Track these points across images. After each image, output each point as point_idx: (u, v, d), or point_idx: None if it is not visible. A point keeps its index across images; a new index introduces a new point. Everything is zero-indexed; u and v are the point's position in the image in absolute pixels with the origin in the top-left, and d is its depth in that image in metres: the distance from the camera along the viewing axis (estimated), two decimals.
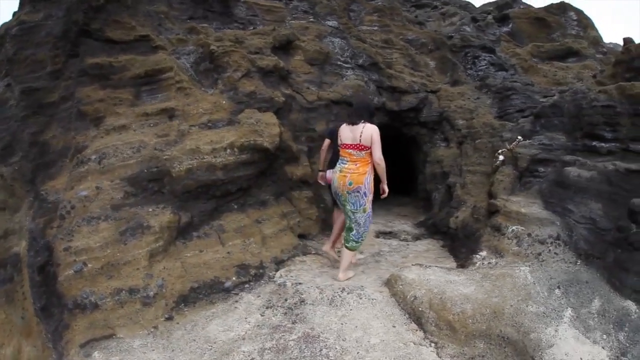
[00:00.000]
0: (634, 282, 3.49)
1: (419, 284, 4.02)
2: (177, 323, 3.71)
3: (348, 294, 4.25)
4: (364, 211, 4.44)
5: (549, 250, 4.19)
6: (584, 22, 8.74)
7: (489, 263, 4.47)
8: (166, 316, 3.75)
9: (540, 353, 3.10)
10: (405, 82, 7.65)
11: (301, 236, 5.95)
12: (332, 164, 5.01)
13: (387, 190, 4.51)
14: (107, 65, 5.11)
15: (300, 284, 4.48)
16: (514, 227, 4.58)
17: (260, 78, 6.21)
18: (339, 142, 4.56)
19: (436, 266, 4.75)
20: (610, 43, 9.28)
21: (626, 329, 3.28)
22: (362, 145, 4.33)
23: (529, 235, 4.40)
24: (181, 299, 4.01)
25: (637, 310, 3.37)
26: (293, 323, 3.72)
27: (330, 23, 7.84)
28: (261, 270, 4.74)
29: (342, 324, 3.73)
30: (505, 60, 7.65)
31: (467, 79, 7.77)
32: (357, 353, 3.31)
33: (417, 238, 6.81)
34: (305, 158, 6.62)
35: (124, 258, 3.89)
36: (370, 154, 4.34)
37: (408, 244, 6.37)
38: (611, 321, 3.34)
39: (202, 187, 5.03)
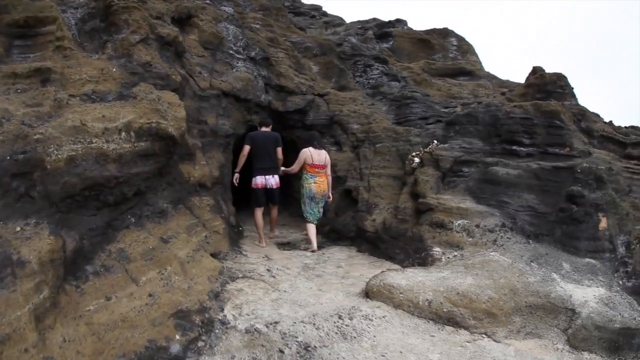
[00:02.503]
0: (587, 245, 4.11)
1: (418, 287, 3.48)
2: None
3: (351, 319, 3.00)
4: (325, 204, 5.71)
5: (501, 236, 4.28)
6: (464, 48, 9.34)
7: (455, 256, 4.20)
8: None
9: (569, 302, 3.35)
10: (293, 83, 6.64)
11: (212, 255, 4.19)
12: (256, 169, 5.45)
13: (331, 196, 5.83)
14: None
15: (276, 322, 2.92)
16: (459, 222, 4.49)
17: (158, 49, 4.19)
18: (310, 162, 5.40)
19: (410, 269, 4.06)
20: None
21: (599, 274, 3.80)
22: (324, 165, 5.51)
23: (477, 226, 4.40)
24: None
25: (597, 263, 3.96)
26: None
27: (226, 9, 6.15)
28: (207, 315, 2.89)
29: (383, 355, 2.57)
30: (396, 72, 7.66)
31: (356, 86, 7.32)
32: None
33: (319, 247, 5.85)
34: (201, 156, 4.83)
35: None
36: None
37: (323, 254, 5.31)
38: (587, 272, 3.80)
39: (90, 189, 2.86)
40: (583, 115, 6.81)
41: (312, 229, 5.40)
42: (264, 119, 5.86)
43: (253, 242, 5.46)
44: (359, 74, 7.62)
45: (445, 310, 3.25)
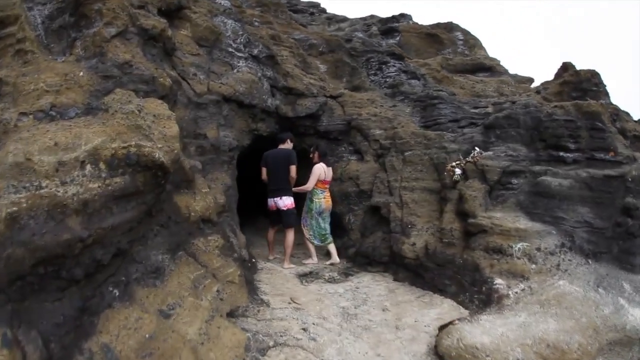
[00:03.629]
0: None
1: (505, 344, 2.84)
2: None
3: None
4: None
5: (563, 259, 3.71)
6: (471, 42, 8.34)
7: (523, 290, 3.51)
8: None
9: None
10: (303, 83, 5.56)
11: (229, 315, 3.13)
12: (268, 191, 5.01)
13: None
14: None
15: None
16: (518, 245, 3.78)
17: (141, 45, 3.09)
18: (322, 178, 5.06)
19: (483, 316, 3.25)
20: None
21: None
22: (331, 181, 5.27)
23: (538, 249, 3.74)
24: None
25: None
26: None
27: (222, 1, 5.02)
28: None
29: None
30: (415, 69, 6.65)
31: (372, 86, 6.22)
32: None
33: (347, 274, 4.81)
34: (202, 181, 3.73)
35: None
36: None
37: (357, 288, 4.26)
38: None
39: (45, 264, 1.77)
40: (617, 115, 6.07)
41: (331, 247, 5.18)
42: (280, 134, 5.16)
43: (270, 276, 4.39)
44: (373, 72, 6.56)
45: None
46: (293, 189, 5.03)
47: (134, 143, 2.33)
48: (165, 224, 2.96)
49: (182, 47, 4.02)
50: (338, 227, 5.64)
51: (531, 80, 8.46)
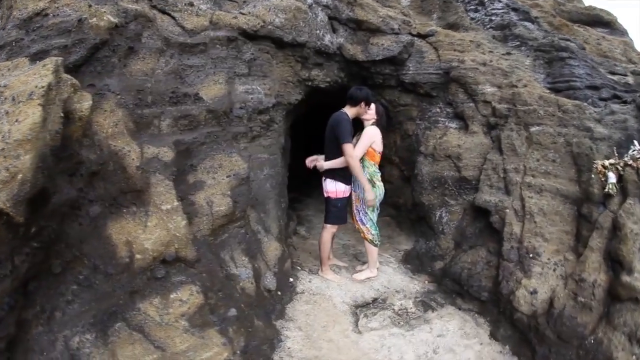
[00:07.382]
0: None
1: None
2: None
3: None
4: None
5: None
6: None
7: None
8: None
9: None
10: (378, 16, 3.58)
11: None
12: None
13: None
14: None
15: None
16: None
17: None
18: (379, 148, 3.22)
19: None
20: None
21: None
22: None
23: None
24: None
25: None
26: None
27: None
28: None
29: None
30: (527, 9, 4.08)
31: (473, 25, 4.06)
32: None
33: (428, 307, 3.10)
34: (165, 187, 2.17)
35: None
36: None
37: (438, 348, 2.62)
38: None
39: None
40: None
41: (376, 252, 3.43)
42: (352, 90, 3.13)
43: (310, 309, 2.96)
44: (472, 7, 4.35)
45: None
46: (328, 163, 3.18)
47: None
48: (87, 280, 1.68)
49: None
50: (422, 224, 3.90)
51: None
